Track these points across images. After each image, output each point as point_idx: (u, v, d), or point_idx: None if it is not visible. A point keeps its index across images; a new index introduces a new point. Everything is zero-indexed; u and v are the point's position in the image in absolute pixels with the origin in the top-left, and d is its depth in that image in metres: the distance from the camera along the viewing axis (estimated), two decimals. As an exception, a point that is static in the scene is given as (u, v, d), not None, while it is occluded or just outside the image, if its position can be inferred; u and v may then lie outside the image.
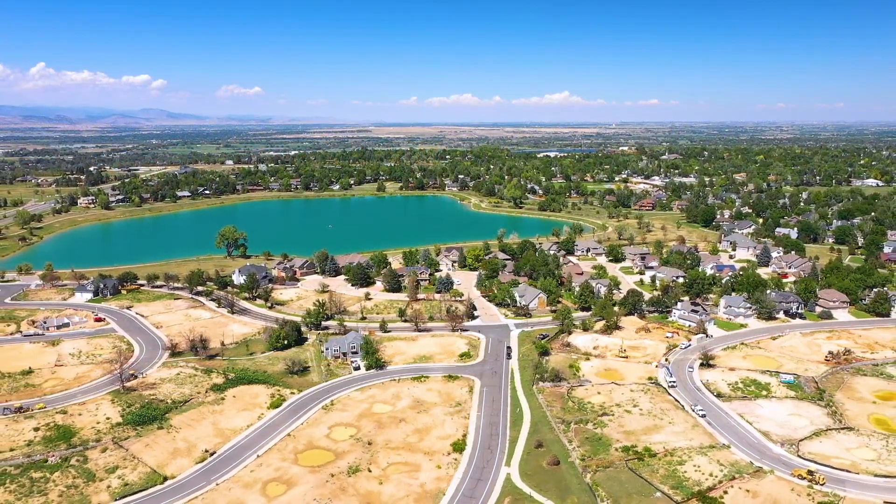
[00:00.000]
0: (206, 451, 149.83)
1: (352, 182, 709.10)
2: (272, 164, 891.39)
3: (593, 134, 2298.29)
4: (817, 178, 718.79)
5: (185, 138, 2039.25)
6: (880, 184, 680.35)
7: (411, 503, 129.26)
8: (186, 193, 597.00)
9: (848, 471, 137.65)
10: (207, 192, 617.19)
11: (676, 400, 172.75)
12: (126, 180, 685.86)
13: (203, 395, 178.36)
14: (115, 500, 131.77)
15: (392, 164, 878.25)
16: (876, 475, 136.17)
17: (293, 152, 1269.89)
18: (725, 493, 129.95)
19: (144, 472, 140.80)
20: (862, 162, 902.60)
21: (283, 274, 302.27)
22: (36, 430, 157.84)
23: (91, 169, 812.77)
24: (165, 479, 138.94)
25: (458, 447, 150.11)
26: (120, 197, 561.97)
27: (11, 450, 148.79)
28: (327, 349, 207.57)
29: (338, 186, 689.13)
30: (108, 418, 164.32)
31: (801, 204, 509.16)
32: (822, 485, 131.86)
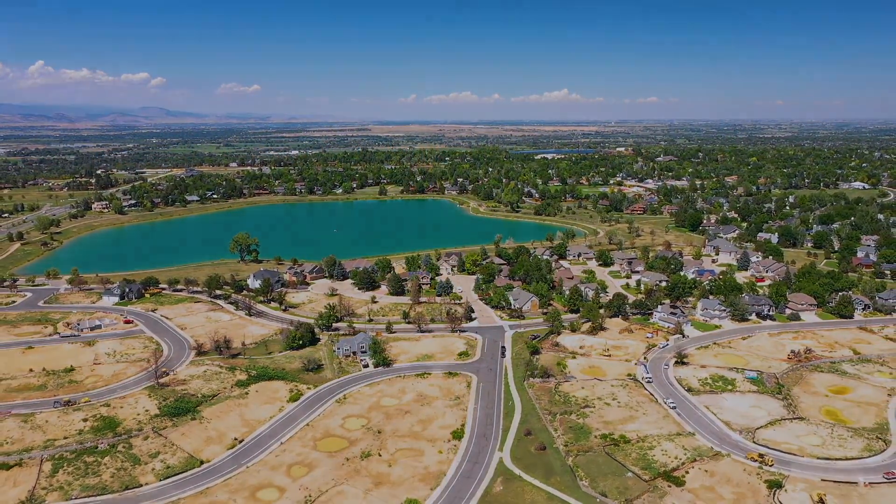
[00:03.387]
0: (236, 438, 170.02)
1: (354, 186, 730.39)
2: (275, 167, 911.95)
3: (592, 133, 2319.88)
4: (806, 180, 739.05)
5: (185, 137, 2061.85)
6: (866, 186, 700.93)
7: (416, 482, 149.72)
8: (195, 198, 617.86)
9: (794, 454, 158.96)
10: (215, 196, 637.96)
11: (651, 394, 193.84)
12: (135, 184, 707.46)
13: (229, 390, 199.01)
14: (160, 480, 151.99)
15: (393, 167, 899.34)
16: (818, 458, 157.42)
17: (294, 152, 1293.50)
18: (687, 472, 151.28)
19: (183, 457, 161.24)
20: (852, 164, 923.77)
21: (294, 278, 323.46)
22: (84, 420, 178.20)
23: (99, 172, 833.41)
24: (202, 462, 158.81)
25: (458, 435, 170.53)
26: (132, 202, 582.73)
27: (65, 438, 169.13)
28: (339, 349, 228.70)
29: (341, 190, 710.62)
30: (146, 410, 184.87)
31: (787, 208, 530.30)
32: (770, 466, 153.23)
